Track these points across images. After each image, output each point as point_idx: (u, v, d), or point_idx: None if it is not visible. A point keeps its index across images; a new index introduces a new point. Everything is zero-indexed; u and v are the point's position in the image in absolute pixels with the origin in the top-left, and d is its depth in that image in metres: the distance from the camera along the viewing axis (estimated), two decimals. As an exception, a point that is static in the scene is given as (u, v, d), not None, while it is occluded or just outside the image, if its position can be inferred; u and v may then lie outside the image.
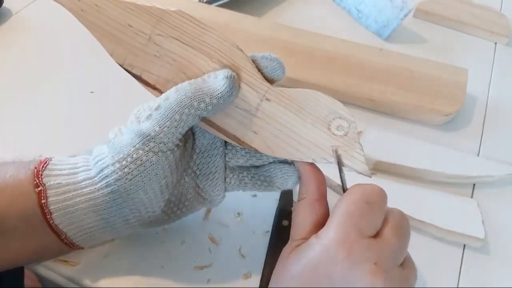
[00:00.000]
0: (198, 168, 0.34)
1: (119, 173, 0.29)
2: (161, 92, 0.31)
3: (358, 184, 0.29)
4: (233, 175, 0.34)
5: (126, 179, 0.29)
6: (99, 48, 0.58)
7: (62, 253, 0.34)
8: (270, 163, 0.34)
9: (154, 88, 0.32)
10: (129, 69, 0.32)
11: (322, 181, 0.31)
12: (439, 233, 0.39)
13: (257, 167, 0.34)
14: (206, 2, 0.58)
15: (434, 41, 0.61)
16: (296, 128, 0.31)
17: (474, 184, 0.44)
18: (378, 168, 0.44)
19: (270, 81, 0.32)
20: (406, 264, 0.28)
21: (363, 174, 0.30)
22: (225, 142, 0.34)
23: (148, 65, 0.31)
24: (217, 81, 0.29)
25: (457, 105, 0.49)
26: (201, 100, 0.29)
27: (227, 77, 0.29)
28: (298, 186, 0.33)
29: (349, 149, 0.31)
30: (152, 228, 0.35)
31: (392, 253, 0.26)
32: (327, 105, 0.31)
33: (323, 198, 0.31)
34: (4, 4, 0.57)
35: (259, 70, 0.31)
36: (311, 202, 0.30)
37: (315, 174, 0.31)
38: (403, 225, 0.28)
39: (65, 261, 0.35)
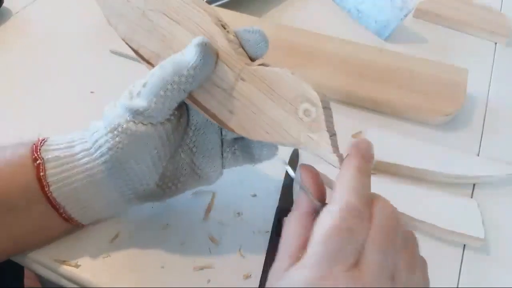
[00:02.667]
0: (194, 146, 0.34)
1: (112, 142, 0.30)
2: (153, 67, 0.32)
3: (338, 195, 0.26)
4: (229, 149, 0.35)
5: (118, 148, 0.30)
6: (99, 48, 0.58)
7: (62, 230, 0.35)
8: None
9: (148, 63, 0.33)
10: (129, 43, 0.33)
11: (319, 193, 0.29)
12: (439, 233, 0.39)
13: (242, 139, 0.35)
14: (206, 2, 0.58)
15: (434, 41, 0.61)
16: (267, 110, 0.31)
17: (474, 184, 0.44)
18: (378, 168, 0.44)
19: (254, 57, 0.32)
20: (406, 267, 0.26)
21: (332, 165, 0.29)
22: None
23: (143, 40, 0.33)
24: (190, 51, 0.30)
25: (457, 105, 0.49)
26: (180, 74, 0.30)
27: (198, 44, 0.30)
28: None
29: (316, 136, 0.29)
30: (150, 203, 0.36)
31: (378, 275, 0.24)
32: (295, 87, 0.30)
33: (313, 212, 0.28)
34: (4, 4, 0.57)
35: (242, 45, 0.31)
36: (301, 215, 0.28)
37: (314, 186, 0.29)
38: (389, 229, 0.25)
39: (65, 261, 0.35)
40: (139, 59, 0.33)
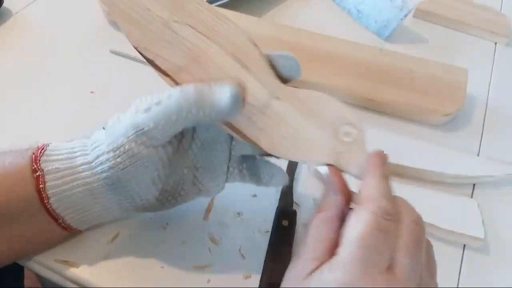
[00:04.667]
0: (198, 162, 0.34)
1: (113, 161, 0.30)
2: (172, 79, 0.31)
3: (368, 200, 0.26)
4: (236, 167, 0.35)
5: (118, 168, 0.30)
6: (99, 48, 0.58)
7: (61, 238, 0.35)
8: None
9: (166, 74, 0.32)
10: (143, 52, 0.32)
11: (347, 196, 0.29)
12: (439, 233, 0.39)
13: (253, 160, 0.35)
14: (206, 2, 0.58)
15: (434, 41, 0.61)
16: (303, 130, 0.31)
17: (474, 184, 0.44)
18: (378, 168, 0.44)
19: (285, 80, 0.32)
20: (428, 272, 0.26)
21: (356, 176, 0.30)
22: (231, 136, 0.34)
23: (162, 50, 0.32)
24: (222, 96, 0.29)
25: (457, 105, 0.49)
26: (201, 108, 0.29)
27: (233, 96, 0.29)
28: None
29: (354, 156, 0.30)
30: (148, 213, 0.36)
31: (411, 279, 0.25)
32: (337, 110, 0.31)
33: (340, 214, 0.28)
34: (4, 4, 0.57)
35: (274, 68, 0.31)
36: (328, 218, 0.28)
37: (342, 188, 0.29)
38: (418, 234, 0.26)
39: (65, 261, 0.35)
40: (154, 69, 0.32)
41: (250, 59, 0.31)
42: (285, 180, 0.35)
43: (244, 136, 0.31)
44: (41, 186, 0.30)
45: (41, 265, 0.35)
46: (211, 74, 0.31)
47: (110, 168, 0.30)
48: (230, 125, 0.31)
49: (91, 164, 0.31)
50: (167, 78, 0.32)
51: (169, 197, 0.34)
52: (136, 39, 0.32)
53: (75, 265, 0.35)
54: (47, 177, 0.31)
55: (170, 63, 0.32)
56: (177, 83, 0.31)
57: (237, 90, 0.29)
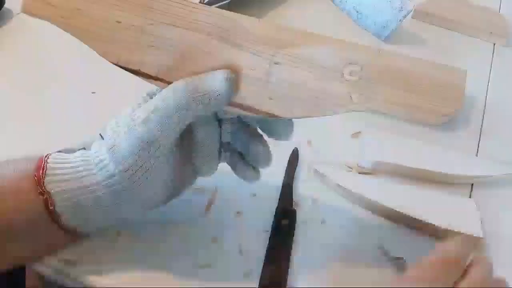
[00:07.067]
0: (196, 159, 0.34)
1: (125, 183, 0.30)
2: (165, 82, 0.31)
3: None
4: (227, 151, 0.35)
5: (132, 187, 0.30)
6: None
7: (65, 244, 0.35)
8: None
9: (156, 79, 0.31)
10: (125, 65, 0.31)
11: None
12: (437, 233, 0.39)
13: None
14: (206, 3, 0.59)
15: (433, 42, 0.61)
16: (311, 84, 0.30)
17: (472, 184, 0.44)
18: (377, 168, 0.44)
19: None
20: None
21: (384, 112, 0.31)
22: (220, 126, 0.33)
23: (145, 57, 0.30)
24: (216, 82, 0.29)
25: (455, 106, 0.49)
26: (200, 101, 0.29)
27: (227, 79, 0.29)
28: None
29: (367, 91, 0.30)
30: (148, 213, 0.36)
31: None
32: (335, 53, 0.31)
33: None
34: (6, 5, 0.57)
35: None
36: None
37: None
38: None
39: (66, 260, 0.35)
40: (142, 77, 0.31)
41: (238, 34, 0.31)
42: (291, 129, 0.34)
43: (257, 112, 0.31)
44: (51, 208, 0.30)
45: (42, 264, 0.35)
46: (202, 64, 0.31)
47: (123, 189, 0.30)
48: (241, 106, 0.31)
49: (100, 185, 0.31)
50: (157, 82, 0.31)
51: (174, 194, 0.35)
52: (114, 56, 0.30)
53: (75, 265, 0.35)
54: (55, 199, 0.30)
55: (158, 66, 0.31)
56: (170, 83, 0.31)
57: (228, 73, 0.29)
